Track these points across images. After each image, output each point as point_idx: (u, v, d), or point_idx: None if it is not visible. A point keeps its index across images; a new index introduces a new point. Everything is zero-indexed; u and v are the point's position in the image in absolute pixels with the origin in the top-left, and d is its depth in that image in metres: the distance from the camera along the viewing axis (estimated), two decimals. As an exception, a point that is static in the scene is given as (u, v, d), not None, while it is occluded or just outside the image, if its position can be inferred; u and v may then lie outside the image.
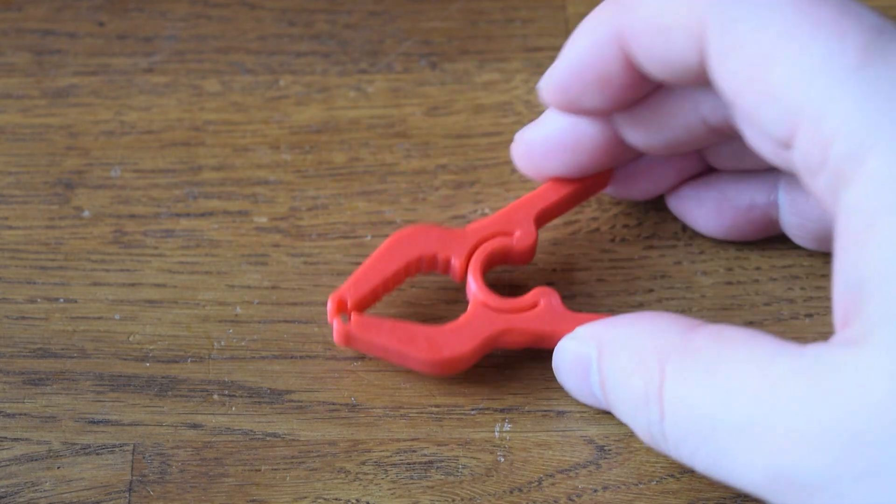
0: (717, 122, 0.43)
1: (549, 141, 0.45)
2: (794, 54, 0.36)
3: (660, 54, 0.40)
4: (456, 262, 0.44)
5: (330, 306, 0.44)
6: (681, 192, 0.46)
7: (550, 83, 0.42)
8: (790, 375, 0.35)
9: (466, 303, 0.44)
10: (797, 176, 0.37)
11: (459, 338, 0.43)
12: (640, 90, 0.42)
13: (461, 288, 0.45)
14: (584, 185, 0.46)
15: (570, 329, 0.43)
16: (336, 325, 0.43)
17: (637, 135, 0.44)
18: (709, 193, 0.46)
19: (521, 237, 0.45)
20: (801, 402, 0.35)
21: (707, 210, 0.46)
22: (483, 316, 0.43)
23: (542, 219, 0.46)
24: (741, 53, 0.37)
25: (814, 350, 0.35)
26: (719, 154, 0.45)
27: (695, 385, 0.37)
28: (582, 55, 0.42)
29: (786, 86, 0.36)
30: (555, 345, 0.43)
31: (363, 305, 0.44)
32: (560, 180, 0.46)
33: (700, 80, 0.40)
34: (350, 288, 0.44)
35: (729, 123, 0.42)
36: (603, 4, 0.41)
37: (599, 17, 0.41)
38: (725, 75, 0.38)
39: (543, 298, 0.44)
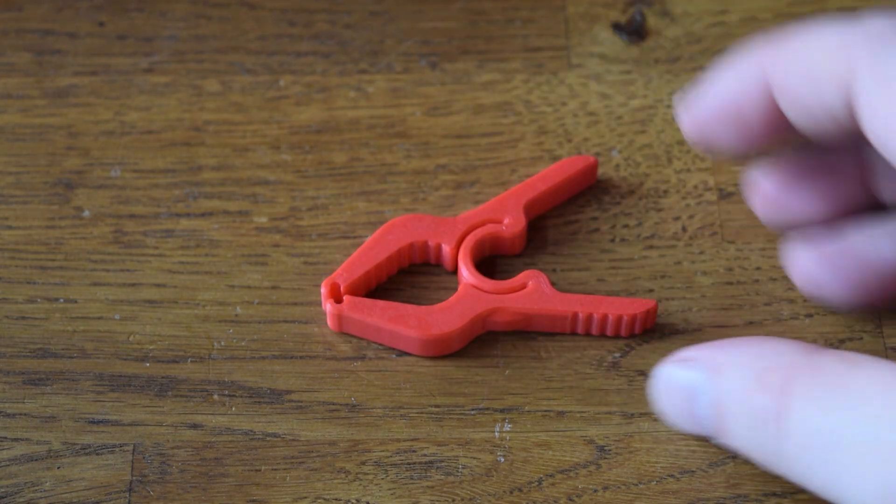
0: None
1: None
2: None
3: (806, 103, 0.39)
4: (447, 249, 0.46)
5: (323, 291, 0.44)
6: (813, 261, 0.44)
7: (688, 117, 0.42)
8: None
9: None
10: None
11: (449, 316, 0.44)
12: (779, 136, 0.41)
13: (455, 287, 0.45)
14: (573, 177, 0.47)
15: (556, 309, 0.44)
16: (329, 307, 0.44)
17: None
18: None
19: (510, 224, 0.46)
20: None
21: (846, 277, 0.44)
22: (472, 296, 0.44)
23: (532, 208, 0.47)
24: (894, 97, 0.36)
25: None
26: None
27: (820, 403, 0.37)
28: (725, 92, 0.41)
29: None
30: (543, 326, 0.44)
31: (355, 291, 0.45)
32: (550, 172, 0.47)
33: (846, 132, 0.39)
34: (342, 273, 0.45)
35: None
36: (753, 43, 0.41)
37: (747, 57, 0.40)
38: (877, 118, 0.37)
39: (532, 280, 0.45)
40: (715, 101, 0.41)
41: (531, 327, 0.45)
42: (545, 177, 0.47)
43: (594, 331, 0.45)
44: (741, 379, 0.39)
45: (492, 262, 0.47)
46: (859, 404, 0.36)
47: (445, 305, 0.44)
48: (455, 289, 0.46)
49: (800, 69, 0.39)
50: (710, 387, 0.40)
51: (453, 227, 0.46)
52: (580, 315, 0.44)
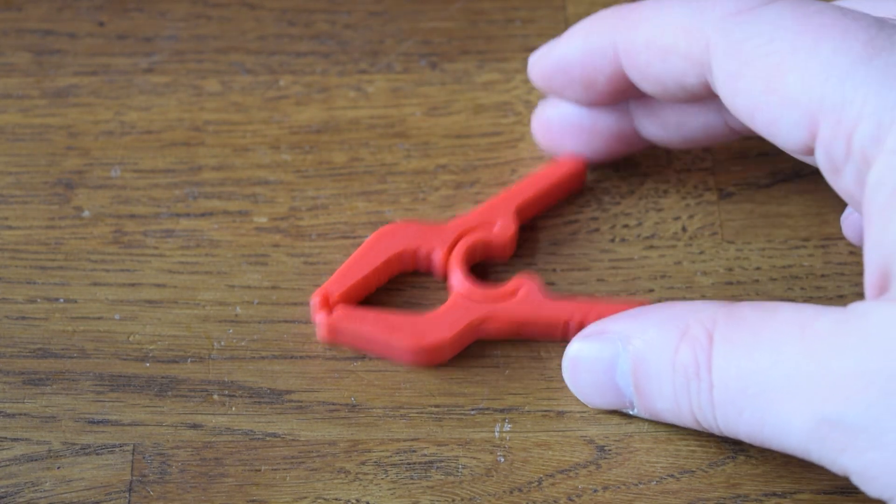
0: (741, 127, 0.43)
1: (564, 121, 0.46)
2: (802, 60, 0.37)
3: (656, 74, 0.41)
4: (437, 256, 0.45)
5: (314, 302, 0.44)
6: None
7: (538, 65, 0.45)
8: (831, 329, 0.36)
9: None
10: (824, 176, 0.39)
11: (441, 325, 0.44)
12: (622, 97, 0.44)
13: (446, 289, 0.45)
14: (560, 180, 0.47)
15: (548, 316, 0.44)
16: (320, 318, 0.44)
17: (654, 129, 0.45)
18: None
19: (500, 229, 0.46)
20: (841, 350, 0.36)
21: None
22: (463, 304, 0.44)
23: (523, 212, 0.47)
24: (751, 71, 0.38)
25: (853, 306, 0.37)
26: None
27: (742, 348, 0.38)
28: (573, 54, 0.43)
29: (801, 90, 0.37)
30: (536, 334, 0.44)
31: (347, 301, 0.44)
32: (540, 175, 0.47)
33: (694, 99, 0.42)
34: (334, 283, 0.44)
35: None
36: (604, 13, 0.43)
37: (598, 24, 0.43)
38: (738, 95, 0.39)
39: (523, 287, 0.44)
40: (563, 58, 0.44)
41: (523, 335, 0.44)
42: (535, 181, 0.47)
43: None
44: (661, 340, 0.40)
45: (490, 261, 0.47)
46: (780, 344, 0.37)
47: (436, 315, 0.44)
48: (445, 296, 0.46)
49: (652, 47, 0.41)
50: (627, 356, 0.41)
51: (443, 233, 0.46)
52: (571, 322, 0.44)
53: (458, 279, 0.45)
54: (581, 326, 0.44)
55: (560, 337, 0.45)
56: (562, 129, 0.46)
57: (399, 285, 0.46)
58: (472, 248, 0.46)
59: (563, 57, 0.44)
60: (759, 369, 0.37)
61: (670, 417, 0.41)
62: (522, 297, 0.44)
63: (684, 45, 0.40)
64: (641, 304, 0.44)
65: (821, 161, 0.38)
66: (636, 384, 0.41)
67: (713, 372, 0.38)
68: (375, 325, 0.44)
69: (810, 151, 0.38)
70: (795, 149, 0.38)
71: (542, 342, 0.45)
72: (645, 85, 0.42)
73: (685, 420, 0.40)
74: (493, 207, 0.46)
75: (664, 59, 0.41)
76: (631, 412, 0.42)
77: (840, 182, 0.38)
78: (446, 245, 0.45)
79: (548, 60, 0.44)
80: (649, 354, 0.40)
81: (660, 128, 0.45)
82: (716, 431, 0.39)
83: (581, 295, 0.46)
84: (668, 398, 0.40)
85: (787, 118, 0.38)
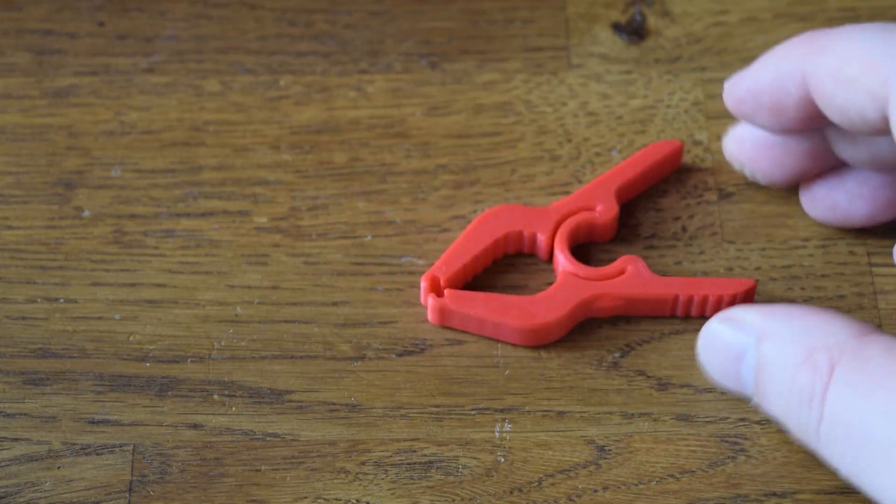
0: None
1: (758, 138, 0.46)
2: None
3: (840, 104, 0.41)
4: (542, 238, 0.46)
5: (423, 286, 0.45)
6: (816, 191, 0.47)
7: (731, 92, 0.44)
8: None
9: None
10: None
11: (551, 305, 0.44)
12: (812, 124, 0.43)
13: (550, 270, 0.45)
14: (659, 162, 0.47)
15: (659, 292, 0.44)
16: (431, 301, 0.45)
17: (851, 151, 0.45)
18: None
19: (603, 210, 0.46)
20: None
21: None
22: (573, 284, 0.45)
23: (622, 193, 0.47)
24: None
25: None
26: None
27: (860, 394, 0.37)
28: (763, 80, 0.43)
29: None
30: (644, 310, 0.45)
31: (454, 284, 0.45)
32: (637, 158, 0.47)
33: (879, 132, 0.41)
34: (441, 266, 0.45)
35: None
36: (796, 39, 0.43)
37: (790, 50, 0.43)
38: None
39: (630, 265, 0.45)
40: (756, 84, 0.44)
41: (631, 312, 0.45)
42: (633, 163, 0.47)
43: (694, 312, 0.45)
44: (787, 352, 0.39)
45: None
46: None
47: (547, 294, 0.44)
48: (550, 277, 0.46)
49: (837, 77, 0.41)
50: (755, 352, 0.40)
51: (546, 216, 0.46)
52: (680, 297, 0.44)
53: (564, 260, 0.45)
54: (689, 302, 0.45)
55: (670, 313, 0.45)
56: (755, 147, 0.46)
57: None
58: (575, 230, 0.46)
59: (755, 82, 0.44)
60: (869, 424, 0.37)
61: (780, 421, 0.40)
62: (631, 274, 0.45)
63: (867, 79, 0.40)
64: (746, 282, 0.45)
65: None
66: (757, 382, 0.40)
67: (825, 406, 0.38)
68: (486, 307, 0.44)
69: None
70: None
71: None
72: (830, 114, 0.42)
73: (792, 433, 0.40)
74: (593, 189, 0.47)
75: (847, 91, 0.41)
76: (749, 402, 0.42)
77: None
78: (550, 227, 0.46)
79: (739, 86, 0.44)
80: (775, 361, 0.40)
81: (858, 150, 0.45)
82: (819, 456, 0.39)
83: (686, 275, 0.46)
84: (782, 409, 0.40)
85: None
